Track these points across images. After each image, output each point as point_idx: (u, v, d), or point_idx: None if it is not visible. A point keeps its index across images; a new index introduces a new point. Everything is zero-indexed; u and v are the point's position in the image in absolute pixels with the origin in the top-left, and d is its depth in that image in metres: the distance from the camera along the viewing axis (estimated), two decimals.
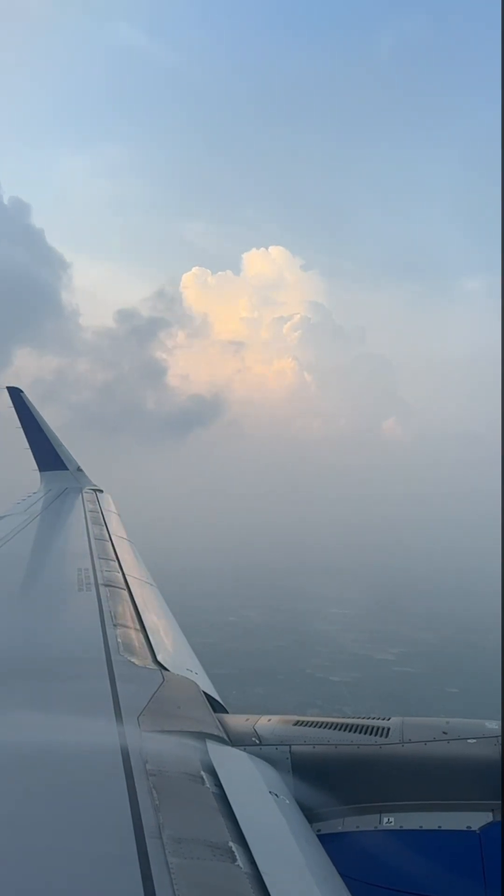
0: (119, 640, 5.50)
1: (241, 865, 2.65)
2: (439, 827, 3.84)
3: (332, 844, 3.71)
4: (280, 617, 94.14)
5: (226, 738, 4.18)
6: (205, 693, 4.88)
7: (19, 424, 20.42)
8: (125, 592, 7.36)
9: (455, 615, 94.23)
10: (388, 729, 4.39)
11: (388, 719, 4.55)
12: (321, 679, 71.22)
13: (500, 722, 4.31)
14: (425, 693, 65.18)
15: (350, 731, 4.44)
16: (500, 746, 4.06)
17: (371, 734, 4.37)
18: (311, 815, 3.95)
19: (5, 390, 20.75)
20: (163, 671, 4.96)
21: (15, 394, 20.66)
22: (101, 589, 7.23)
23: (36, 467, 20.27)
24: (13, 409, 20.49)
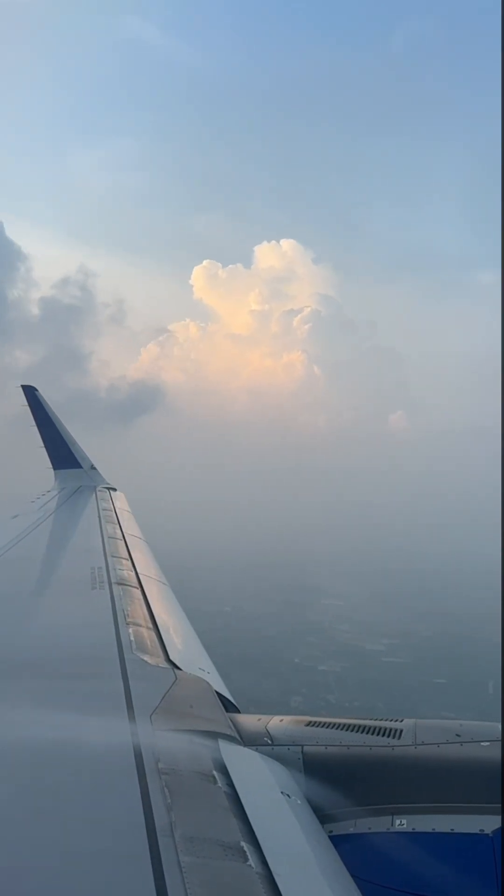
0: (132, 638, 5.44)
1: (252, 865, 2.62)
2: (452, 830, 3.72)
3: (344, 846, 3.62)
4: (272, 608, 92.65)
5: (238, 737, 4.11)
6: (217, 692, 4.80)
7: (34, 422, 20.27)
8: (138, 591, 7.28)
9: (451, 608, 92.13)
10: (401, 731, 4.25)
11: (401, 721, 4.42)
12: (309, 668, 70.17)
13: None
14: (412, 682, 64.40)
15: (362, 732, 4.31)
16: (500, 748, 3.94)
17: (383, 736, 4.24)
18: (322, 816, 3.85)
19: (20, 388, 20.66)
20: (175, 670, 4.90)
21: (30, 392, 20.50)
22: (115, 587, 7.15)
23: (50, 465, 20.13)
24: (28, 407, 20.28)
